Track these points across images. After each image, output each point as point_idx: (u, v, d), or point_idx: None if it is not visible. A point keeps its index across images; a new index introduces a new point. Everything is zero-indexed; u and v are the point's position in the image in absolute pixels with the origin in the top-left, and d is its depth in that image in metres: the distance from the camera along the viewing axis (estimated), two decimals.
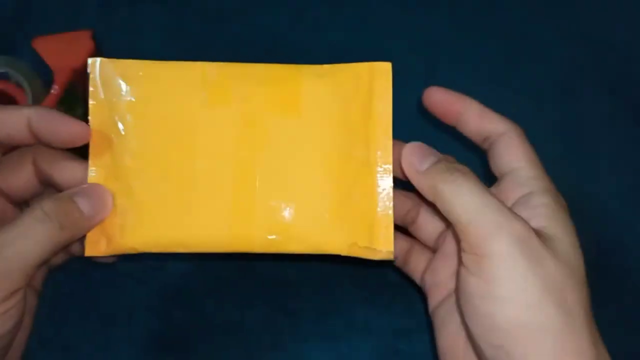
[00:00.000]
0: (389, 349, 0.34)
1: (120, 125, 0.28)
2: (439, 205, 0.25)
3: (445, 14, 0.46)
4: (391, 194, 0.28)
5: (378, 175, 0.28)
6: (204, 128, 0.28)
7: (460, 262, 0.25)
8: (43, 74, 0.37)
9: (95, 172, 0.28)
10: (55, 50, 0.37)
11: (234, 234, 0.28)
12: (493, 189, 0.28)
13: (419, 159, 0.27)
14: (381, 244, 0.27)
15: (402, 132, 0.41)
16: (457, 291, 0.25)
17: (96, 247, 0.28)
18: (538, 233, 0.24)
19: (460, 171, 0.25)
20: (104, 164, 0.28)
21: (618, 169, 0.40)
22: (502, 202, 0.24)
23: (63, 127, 0.27)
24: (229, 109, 0.28)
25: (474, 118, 0.28)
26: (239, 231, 0.28)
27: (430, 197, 0.26)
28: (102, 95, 0.28)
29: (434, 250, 0.32)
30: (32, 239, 0.24)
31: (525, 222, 0.24)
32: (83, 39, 0.38)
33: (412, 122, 0.42)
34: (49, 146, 0.27)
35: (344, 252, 0.28)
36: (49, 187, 0.30)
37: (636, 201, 0.39)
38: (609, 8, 0.46)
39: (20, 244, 0.24)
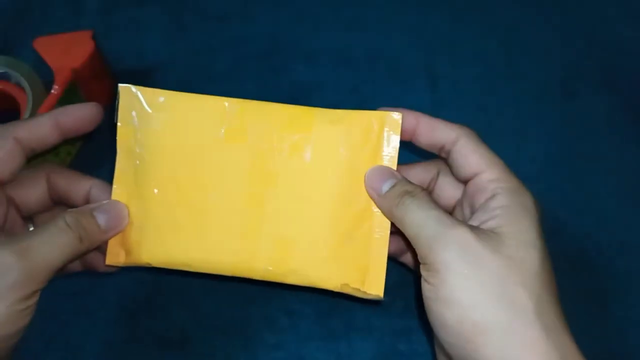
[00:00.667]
0: (389, 349, 0.34)
1: (144, 150, 0.30)
2: (396, 224, 0.28)
3: (445, 15, 0.46)
4: (387, 240, 0.29)
5: (376, 221, 0.29)
6: (220, 161, 0.29)
7: (418, 270, 0.27)
8: (43, 74, 0.37)
9: (118, 190, 0.30)
10: (56, 50, 0.37)
11: (238, 261, 0.30)
12: (462, 195, 0.30)
13: (377, 184, 0.29)
14: (372, 288, 0.29)
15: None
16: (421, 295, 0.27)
17: (116, 257, 0.30)
18: (487, 234, 0.26)
19: (410, 193, 0.27)
20: (126, 183, 0.30)
21: (618, 168, 0.40)
22: (444, 213, 0.26)
23: (82, 112, 0.29)
24: (244, 146, 0.29)
25: (426, 131, 0.29)
26: (242, 260, 0.30)
27: (388, 218, 0.29)
28: (129, 121, 0.30)
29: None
30: (55, 246, 0.26)
31: (464, 227, 0.25)
32: (83, 39, 0.38)
33: None
34: (74, 136, 0.30)
35: (336, 289, 0.30)
36: (58, 204, 0.32)
37: (636, 201, 0.39)
38: (609, 8, 0.46)
39: (46, 249, 0.26)
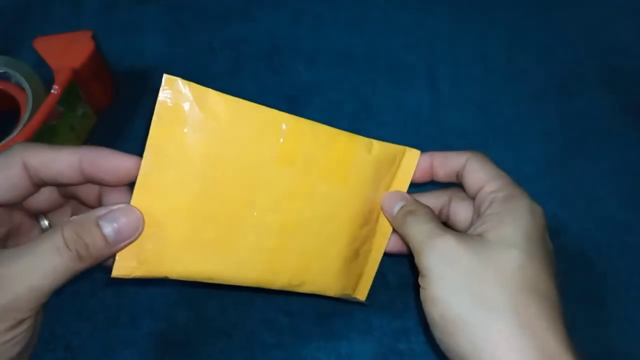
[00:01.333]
0: (389, 349, 0.34)
1: (182, 156, 0.26)
2: (405, 240, 0.30)
3: (445, 14, 0.46)
4: (381, 255, 0.33)
5: (377, 238, 0.33)
6: (265, 179, 0.28)
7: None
8: (43, 74, 0.37)
9: (140, 195, 0.26)
10: (56, 50, 0.37)
11: (263, 275, 0.30)
12: (473, 211, 0.31)
13: (390, 206, 0.32)
14: (359, 294, 0.34)
15: (403, 130, 0.41)
16: None
17: (125, 270, 0.27)
18: (473, 238, 0.27)
19: (412, 213, 0.30)
20: (151, 189, 0.26)
21: (618, 168, 0.40)
22: (437, 226, 0.28)
23: (115, 163, 0.26)
24: (292, 167, 0.28)
25: (440, 163, 0.32)
26: (268, 274, 0.30)
27: (401, 236, 0.31)
28: (168, 119, 0.25)
29: None
30: (45, 271, 0.23)
31: (449, 235, 0.27)
32: (83, 39, 0.38)
33: (411, 119, 0.42)
34: (99, 184, 0.27)
35: (337, 295, 0.32)
36: (71, 199, 0.29)
37: (636, 201, 0.39)
38: (609, 8, 0.46)
39: (32, 275, 0.22)
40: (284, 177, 0.28)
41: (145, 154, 0.25)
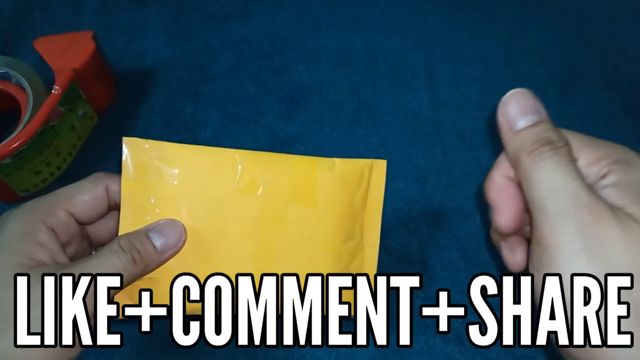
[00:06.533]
0: (389, 349, 0.34)
1: (155, 204, 0.29)
2: (515, 171, 0.24)
3: (445, 14, 0.46)
4: (375, 268, 0.33)
5: (367, 253, 0.33)
6: (233, 210, 0.30)
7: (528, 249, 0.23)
8: (44, 75, 0.38)
9: None
10: (56, 50, 0.37)
11: None
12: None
13: (514, 116, 0.24)
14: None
15: (403, 130, 0.41)
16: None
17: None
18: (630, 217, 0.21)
19: (552, 144, 0.22)
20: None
21: None
22: (583, 185, 0.21)
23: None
24: (256, 195, 0.30)
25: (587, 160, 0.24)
26: None
27: (510, 159, 0.24)
28: (136, 174, 0.29)
29: None
30: (107, 269, 0.26)
31: (601, 206, 0.21)
32: (84, 39, 0.38)
33: (411, 119, 0.42)
34: None
35: None
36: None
37: None
38: (609, 8, 0.46)
39: (98, 271, 0.26)
40: (250, 205, 0.30)
41: (121, 208, 0.29)
